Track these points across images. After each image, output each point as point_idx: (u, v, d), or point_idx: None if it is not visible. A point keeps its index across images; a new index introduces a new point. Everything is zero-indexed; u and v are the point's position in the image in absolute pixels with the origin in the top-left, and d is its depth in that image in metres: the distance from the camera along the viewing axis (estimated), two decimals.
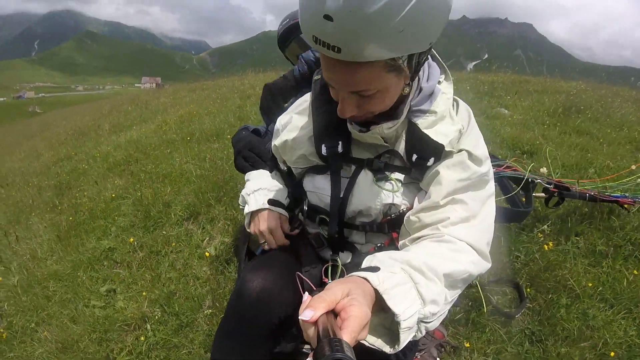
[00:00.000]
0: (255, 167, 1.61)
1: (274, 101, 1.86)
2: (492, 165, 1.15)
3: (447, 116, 1.10)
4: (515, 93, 7.36)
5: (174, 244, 2.98)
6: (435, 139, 1.05)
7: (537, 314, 2.12)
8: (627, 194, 2.54)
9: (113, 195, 4.18)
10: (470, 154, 1.07)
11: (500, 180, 2.08)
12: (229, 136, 5.33)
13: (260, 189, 1.36)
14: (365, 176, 1.15)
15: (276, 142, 1.34)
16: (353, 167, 1.16)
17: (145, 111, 9.97)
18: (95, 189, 4.66)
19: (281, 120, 1.34)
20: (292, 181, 1.38)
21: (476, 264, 0.97)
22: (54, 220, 4.06)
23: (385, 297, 0.75)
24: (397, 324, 0.75)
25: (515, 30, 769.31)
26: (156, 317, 2.37)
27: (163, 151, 5.40)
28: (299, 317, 0.66)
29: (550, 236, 2.57)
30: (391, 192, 1.12)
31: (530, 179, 2.20)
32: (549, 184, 2.39)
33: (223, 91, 9.96)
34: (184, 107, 8.68)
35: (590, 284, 2.19)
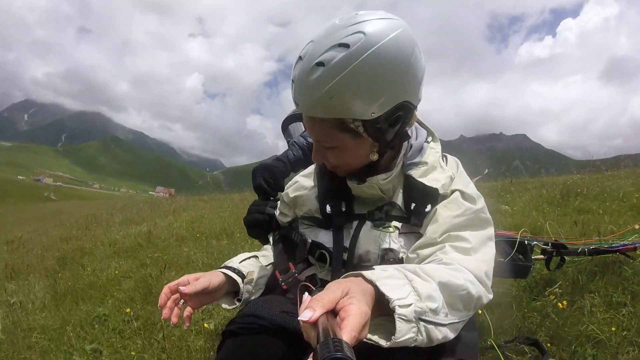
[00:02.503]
0: (270, 192, 1.72)
1: (273, 178, 1.88)
2: None
3: (438, 166, 1.24)
4: (511, 184, 7.73)
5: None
6: (429, 185, 1.18)
7: None
8: (627, 242, 2.49)
9: (117, 272, 4.23)
10: (462, 193, 1.18)
11: (496, 244, 2.02)
12: (238, 235, 5.46)
13: (231, 260, 1.39)
14: (365, 225, 1.23)
15: (285, 198, 1.44)
16: (355, 223, 1.24)
17: (157, 212, 10.24)
18: (99, 266, 4.71)
19: (289, 183, 1.49)
20: (292, 231, 1.43)
21: (474, 285, 0.99)
22: (51, 283, 4.06)
23: (378, 284, 0.78)
24: (392, 310, 0.76)
25: (511, 142, 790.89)
26: None
27: (171, 243, 5.52)
28: (299, 318, 0.67)
29: (563, 296, 2.48)
30: (387, 234, 1.18)
31: (525, 242, 2.18)
32: (546, 244, 2.37)
33: (235, 202, 10.28)
34: (196, 212, 8.95)
35: (613, 329, 2.10)
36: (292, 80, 1.07)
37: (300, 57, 1.04)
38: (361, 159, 1.16)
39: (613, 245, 2.51)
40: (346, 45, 0.96)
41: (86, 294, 3.68)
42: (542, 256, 2.43)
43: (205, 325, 2.71)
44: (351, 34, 0.97)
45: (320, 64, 0.98)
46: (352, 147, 1.11)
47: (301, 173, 1.50)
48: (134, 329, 2.84)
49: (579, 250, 2.44)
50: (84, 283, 4.02)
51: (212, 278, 1.23)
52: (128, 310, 3.11)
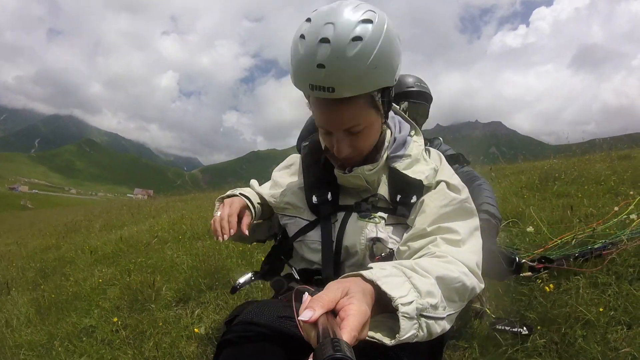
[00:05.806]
0: None
1: None
2: None
3: (421, 159, 1.30)
4: (491, 170, 7.73)
5: (160, 323, 2.91)
6: (413, 177, 1.24)
7: (554, 351, 2.02)
8: (607, 241, 2.61)
9: (100, 280, 4.16)
10: (447, 184, 1.24)
11: None
12: None
13: (237, 189, 1.53)
14: (352, 217, 1.27)
15: (270, 190, 1.50)
16: (341, 215, 1.29)
17: (137, 215, 10.09)
18: (82, 275, 4.62)
19: (273, 174, 1.55)
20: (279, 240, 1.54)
21: (468, 276, 1.02)
22: (35, 297, 3.98)
23: (379, 283, 0.79)
24: (395, 309, 0.78)
25: (486, 129, 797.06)
26: None
27: (154, 247, 5.43)
28: (299, 318, 0.67)
29: (550, 280, 2.50)
30: (374, 224, 1.23)
31: (511, 255, 2.26)
32: (533, 261, 2.43)
33: (215, 201, 10.16)
34: (176, 213, 8.83)
35: (601, 309, 2.15)
36: (320, 66, 1.02)
37: (323, 39, 1.01)
38: (376, 136, 1.23)
39: (597, 247, 2.59)
40: (369, 21, 1.02)
41: (71, 305, 3.62)
42: (529, 273, 2.50)
43: (195, 330, 2.70)
44: (365, 11, 1.03)
45: (357, 38, 1.00)
46: (376, 123, 1.19)
47: (283, 166, 1.57)
48: (123, 339, 2.81)
49: (566, 254, 2.53)
50: (67, 294, 3.95)
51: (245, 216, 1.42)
52: (115, 319, 3.07)
